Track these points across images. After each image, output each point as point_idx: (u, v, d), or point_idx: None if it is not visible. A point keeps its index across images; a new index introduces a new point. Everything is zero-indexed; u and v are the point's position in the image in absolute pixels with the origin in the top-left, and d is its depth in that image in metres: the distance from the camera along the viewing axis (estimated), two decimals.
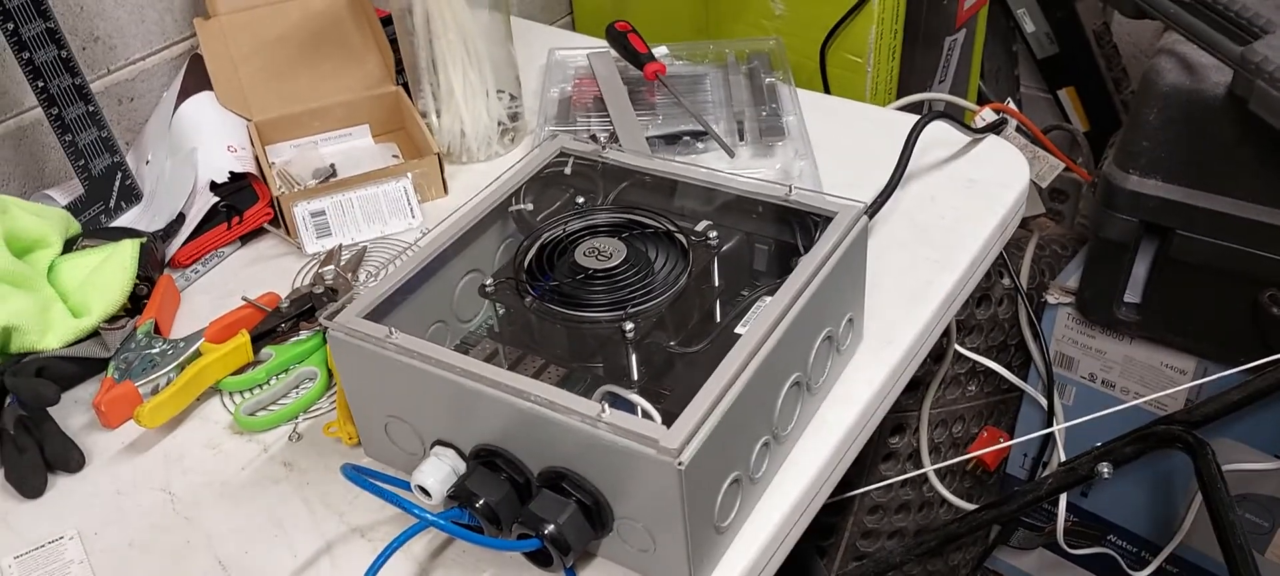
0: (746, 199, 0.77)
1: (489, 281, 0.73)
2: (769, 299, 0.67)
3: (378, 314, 0.70)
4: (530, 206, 0.82)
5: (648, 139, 1.04)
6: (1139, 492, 1.28)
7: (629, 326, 0.66)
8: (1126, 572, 1.29)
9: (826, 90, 1.34)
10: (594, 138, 0.82)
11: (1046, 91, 1.66)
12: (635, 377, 0.69)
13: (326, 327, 0.69)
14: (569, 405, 0.60)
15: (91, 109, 1.00)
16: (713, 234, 0.73)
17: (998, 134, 1.05)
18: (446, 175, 1.04)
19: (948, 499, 1.28)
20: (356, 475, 0.63)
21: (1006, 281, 1.28)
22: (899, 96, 1.44)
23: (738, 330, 0.66)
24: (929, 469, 1.16)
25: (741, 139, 1.04)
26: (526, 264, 0.73)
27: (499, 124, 1.10)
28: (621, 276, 0.70)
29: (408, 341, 0.66)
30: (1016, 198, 0.98)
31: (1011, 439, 1.37)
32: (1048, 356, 1.21)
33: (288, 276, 0.96)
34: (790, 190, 0.75)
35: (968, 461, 1.35)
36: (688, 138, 1.05)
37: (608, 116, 1.08)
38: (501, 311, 0.75)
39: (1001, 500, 1.13)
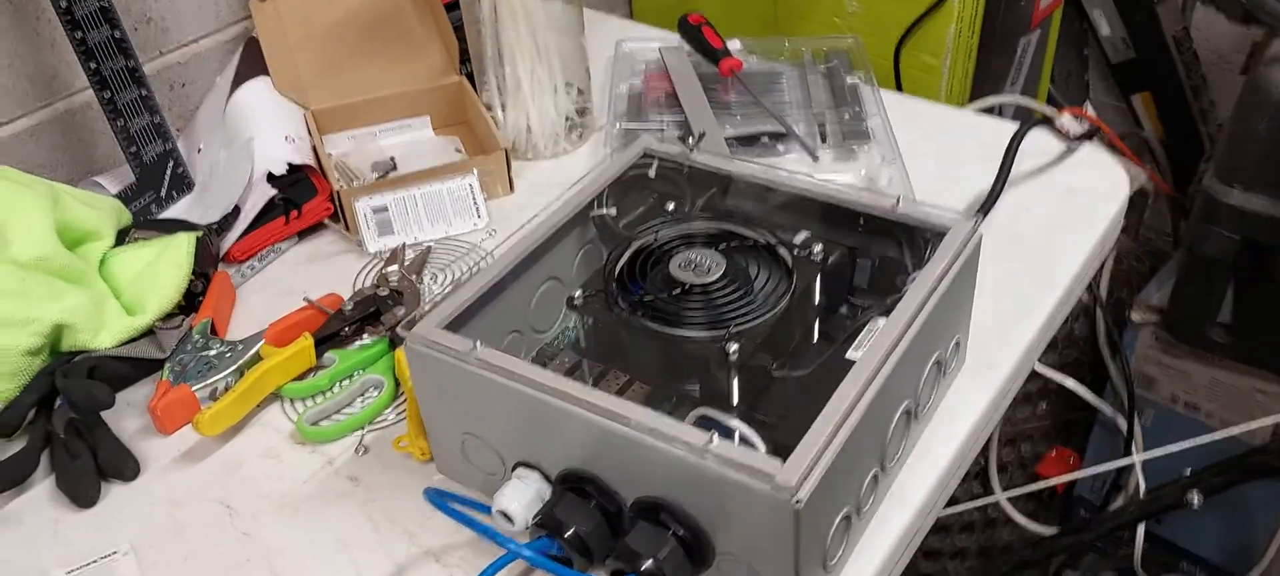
0: (848, 209, 0.72)
1: (577, 293, 0.68)
2: (883, 320, 0.62)
3: (456, 324, 0.66)
4: (613, 211, 0.77)
5: (724, 140, 0.99)
6: (1216, 521, 1.22)
7: (733, 348, 0.61)
8: None
9: (900, 90, 1.28)
10: (684, 139, 0.77)
11: (1120, 98, 1.60)
12: (735, 402, 0.64)
13: (402, 338, 0.64)
14: (674, 434, 0.56)
15: (144, 93, 0.96)
16: (817, 248, 0.68)
17: (1092, 142, 1.00)
18: (513, 172, 0.99)
19: (1018, 522, 1.22)
20: (441, 500, 0.59)
21: (1084, 296, 1.22)
22: (972, 99, 1.38)
23: (850, 355, 0.61)
24: (1001, 496, 1.11)
25: (823, 141, 0.99)
26: (617, 275, 0.68)
27: (567, 120, 1.05)
28: (721, 293, 0.65)
29: (495, 356, 0.62)
30: (1117, 211, 0.92)
31: (1081, 458, 1.31)
32: (1130, 377, 1.15)
33: (347, 275, 0.91)
34: (898, 202, 0.70)
35: (1034, 481, 1.29)
36: (767, 139, 1.00)
37: (681, 114, 1.03)
38: (588, 324, 0.70)
39: (1081, 526, 1.08)
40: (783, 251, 0.68)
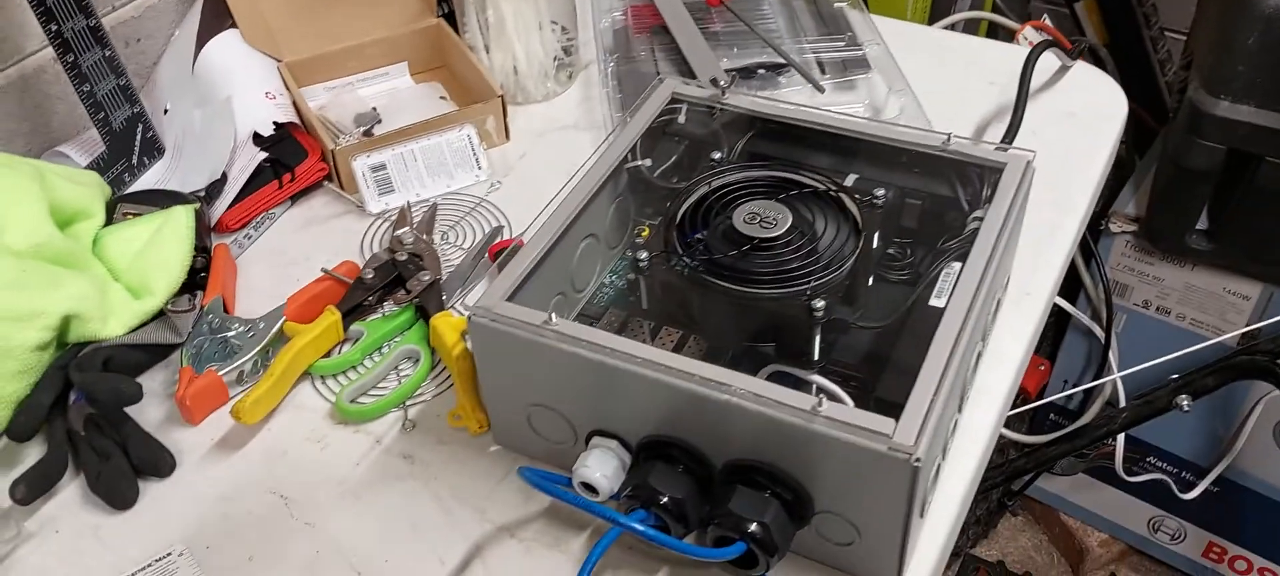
0: (894, 148, 0.72)
1: (643, 256, 0.66)
2: (959, 265, 0.62)
3: (515, 295, 0.63)
4: (648, 162, 0.75)
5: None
6: (1182, 417, 1.27)
7: (819, 304, 0.60)
8: (1176, 496, 1.29)
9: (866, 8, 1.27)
10: (715, 81, 0.75)
11: (1063, 4, 1.62)
12: (817, 358, 0.63)
13: (468, 315, 0.62)
14: (779, 398, 0.55)
15: (108, 54, 0.89)
16: (880, 192, 0.67)
17: (1085, 60, 1.01)
18: (508, 119, 0.96)
19: (1001, 432, 1.26)
20: (539, 478, 0.57)
21: None
22: (933, 18, 1.38)
23: (934, 302, 0.61)
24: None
25: (822, 73, 0.98)
26: (678, 233, 0.66)
27: (554, 59, 1.01)
28: (792, 247, 0.64)
29: (571, 327, 0.59)
30: (1119, 129, 0.94)
31: (1051, 364, 1.35)
32: (1108, 285, 1.18)
33: (351, 239, 0.87)
34: (949, 139, 0.70)
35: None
36: (764, 71, 0.98)
37: (672, 47, 1.01)
38: (648, 283, 0.68)
39: (1073, 433, 1.12)
40: (845, 198, 0.67)
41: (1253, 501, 1.30)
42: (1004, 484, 1.40)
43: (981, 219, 0.64)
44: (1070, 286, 1.29)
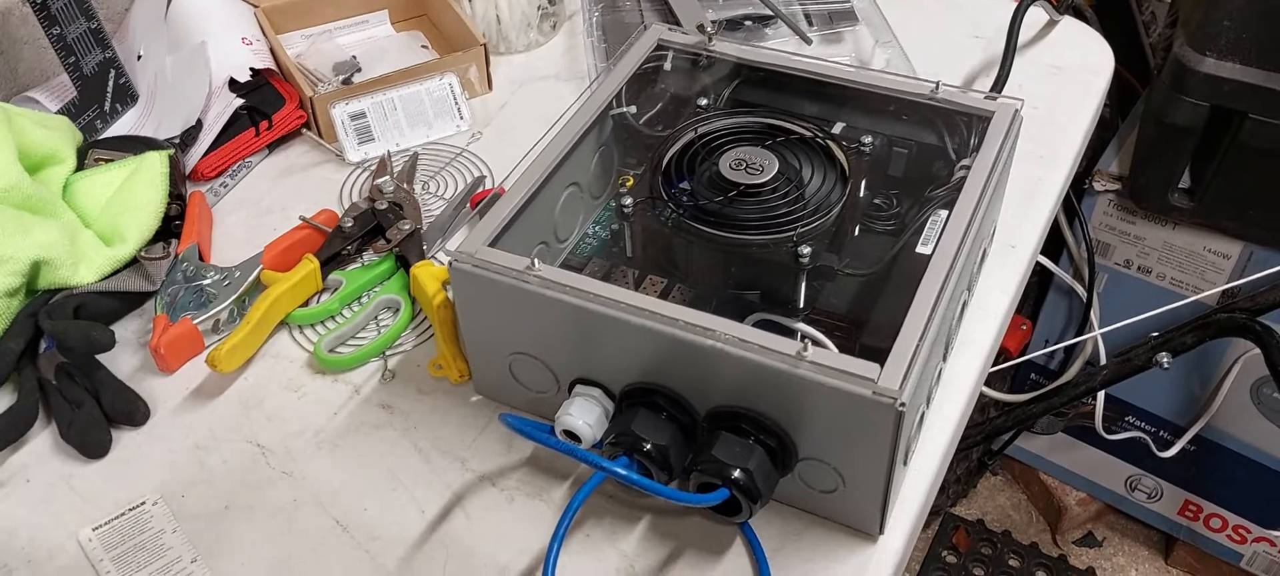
0: (882, 96, 0.71)
1: (628, 203, 0.65)
2: (945, 212, 0.61)
3: (497, 242, 0.62)
4: (633, 110, 0.74)
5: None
6: (1160, 375, 1.28)
7: (805, 251, 0.59)
8: (1154, 454, 1.30)
9: None
10: (702, 28, 0.74)
11: None
12: (802, 305, 0.62)
13: (449, 261, 0.61)
14: (764, 343, 0.54)
15: None
16: (867, 140, 0.66)
17: (1070, 15, 1.00)
18: (491, 68, 0.94)
19: (983, 390, 1.26)
20: (521, 424, 0.56)
21: None
22: None
23: (920, 249, 0.60)
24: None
25: (809, 24, 0.97)
26: (663, 179, 0.65)
27: (537, 7, 0.99)
28: (778, 193, 0.63)
29: (554, 273, 0.59)
30: (1105, 84, 0.93)
31: (1032, 323, 1.35)
32: (1091, 245, 1.18)
33: (329, 188, 0.86)
34: (938, 87, 0.69)
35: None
36: (750, 23, 0.97)
37: None
38: (632, 230, 0.67)
39: (1054, 391, 1.12)
40: (832, 145, 0.66)
41: (1229, 459, 1.31)
42: (984, 442, 1.41)
43: (969, 167, 0.64)
44: (1053, 247, 1.29)
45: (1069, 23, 0.99)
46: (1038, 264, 1.29)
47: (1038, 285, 1.34)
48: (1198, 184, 1.11)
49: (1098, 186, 1.17)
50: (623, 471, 0.55)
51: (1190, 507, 1.42)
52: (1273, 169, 1.02)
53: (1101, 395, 1.22)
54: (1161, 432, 1.34)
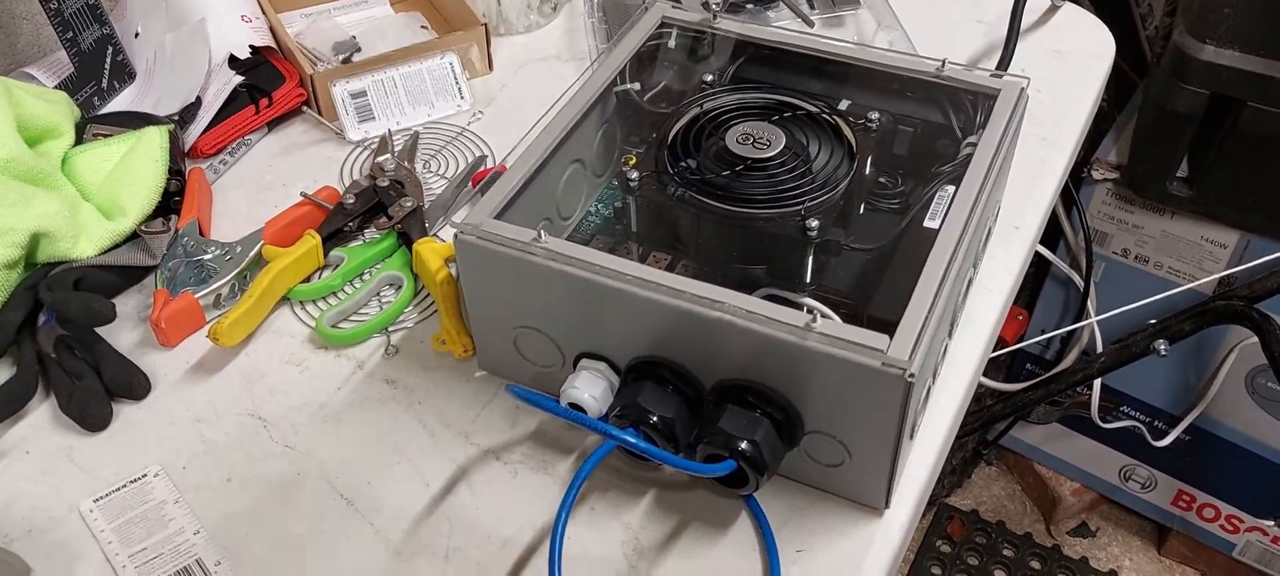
0: (887, 74, 0.71)
1: (633, 177, 0.65)
2: (952, 188, 0.61)
3: (501, 216, 0.62)
4: (637, 87, 0.73)
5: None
6: (1155, 364, 1.28)
7: (813, 225, 0.59)
8: (1148, 443, 1.30)
9: None
10: (706, 5, 0.74)
11: None
12: (808, 280, 0.62)
13: (455, 234, 0.60)
14: (772, 315, 0.54)
15: None
16: (873, 116, 0.66)
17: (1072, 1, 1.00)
18: (491, 49, 0.94)
19: (982, 381, 1.26)
20: (529, 393, 0.56)
21: None
22: None
23: (928, 224, 0.60)
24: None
25: (811, 6, 0.97)
26: (670, 154, 0.65)
27: None
28: (786, 168, 0.63)
29: (561, 245, 0.58)
30: (1106, 69, 0.93)
31: (1029, 314, 1.36)
32: (1089, 234, 1.19)
33: (330, 166, 0.85)
34: (944, 65, 0.69)
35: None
36: (752, 4, 0.97)
37: None
38: (638, 205, 0.67)
39: (1050, 379, 1.12)
40: (839, 121, 0.66)
41: (1223, 449, 1.31)
42: (980, 430, 1.41)
43: (976, 143, 0.64)
44: (1050, 237, 1.29)
45: (1070, 8, 0.99)
46: (1035, 253, 1.29)
47: (1034, 275, 1.34)
48: (1196, 172, 1.11)
49: (1096, 175, 1.17)
50: (632, 439, 0.55)
51: (1183, 497, 1.43)
52: (1271, 157, 1.02)
53: (1097, 384, 1.22)
54: (1156, 422, 1.35)
